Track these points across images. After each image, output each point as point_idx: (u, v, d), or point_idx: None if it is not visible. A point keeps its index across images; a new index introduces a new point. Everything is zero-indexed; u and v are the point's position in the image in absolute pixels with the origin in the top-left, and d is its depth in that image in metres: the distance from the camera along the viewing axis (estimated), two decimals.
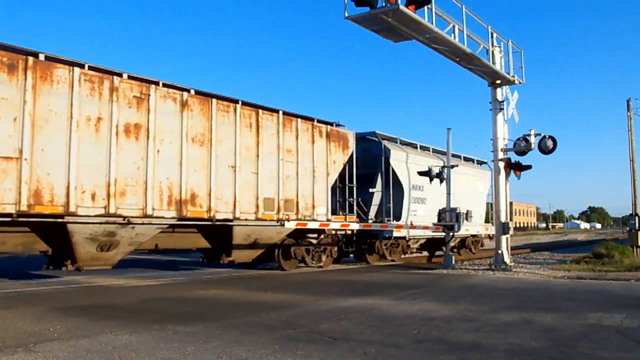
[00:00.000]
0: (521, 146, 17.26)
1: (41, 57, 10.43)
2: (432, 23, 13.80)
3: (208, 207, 12.98)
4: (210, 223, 13.13)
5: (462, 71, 16.79)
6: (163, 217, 12.11)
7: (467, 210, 20.03)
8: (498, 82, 17.56)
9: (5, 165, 9.78)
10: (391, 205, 19.17)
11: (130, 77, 11.72)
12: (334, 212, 17.11)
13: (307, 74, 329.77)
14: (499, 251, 17.22)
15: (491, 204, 25.73)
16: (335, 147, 16.91)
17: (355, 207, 17.69)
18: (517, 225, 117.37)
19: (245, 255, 14.47)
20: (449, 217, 18.28)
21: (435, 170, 18.95)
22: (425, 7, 13.33)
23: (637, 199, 25.51)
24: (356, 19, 13.11)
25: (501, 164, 17.33)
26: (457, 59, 15.98)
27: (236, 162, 13.71)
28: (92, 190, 10.94)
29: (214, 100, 13.34)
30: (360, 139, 19.06)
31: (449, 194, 18.77)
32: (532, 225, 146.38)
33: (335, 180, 17.21)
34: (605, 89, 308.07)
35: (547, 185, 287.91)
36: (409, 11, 12.63)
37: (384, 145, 19.24)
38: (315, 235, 16.67)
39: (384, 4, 12.39)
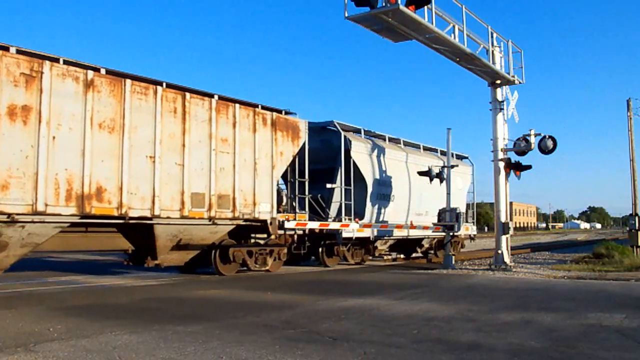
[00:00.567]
0: (521, 146, 17.28)
1: None
2: (432, 23, 13.82)
3: (119, 203, 11.27)
4: (122, 222, 11.48)
5: (462, 71, 16.83)
6: (59, 215, 10.47)
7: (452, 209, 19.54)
8: (498, 82, 17.57)
9: None
10: (352, 202, 17.47)
11: (19, 52, 10.14)
12: (293, 210, 15.78)
13: (306, 74, 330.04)
14: (499, 251, 17.22)
15: (472, 203, 25.13)
16: (283, 136, 15.14)
17: (307, 205, 16.11)
18: (517, 225, 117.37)
19: (174, 258, 12.97)
20: (448, 217, 18.28)
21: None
22: (425, 7, 13.36)
23: (637, 199, 25.51)
24: (356, 19, 13.13)
25: (501, 164, 17.34)
26: (457, 59, 15.99)
27: (156, 152, 12.04)
28: None
29: (128, 81, 11.64)
30: (320, 129, 17.82)
31: (448, 194, 18.75)
32: (532, 225, 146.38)
33: (287, 174, 15.94)
34: (605, 89, 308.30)
35: (547, 185, 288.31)
36: (409, 11, 12.65)
37: (344, 136, 17.50)
38: (265, 235, 15.09)
39: (384, 4, 12.41)
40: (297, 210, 15.81)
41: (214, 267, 14.02)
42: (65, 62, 10.80)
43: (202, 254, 13.75)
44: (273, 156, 14.82)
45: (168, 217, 12.27)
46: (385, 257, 21.49)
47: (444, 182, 19.02)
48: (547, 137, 16.96)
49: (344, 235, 17.01)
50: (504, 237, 17.34)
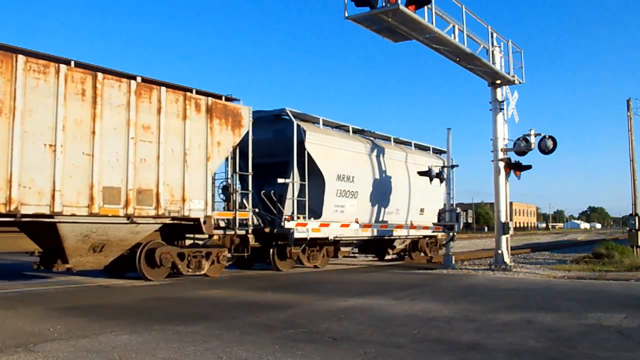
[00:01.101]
0: (521, 146, 17.28)
1: None
2: (432, 23, 13.82)
3: (7, 198, 9.83)
4: (12, 220, 10.06)
5: (462, 71, 16.83)
6: None
7: (421, 208, 18.91)
8: (498, 82, 17.57)
9: None
10: (306, 199, 15.71)
11: None
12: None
13: (306, 74, 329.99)
14: (499, 251, 17.23)
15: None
16: (221, 125, 13.57)
17: (249, 202, 14.43)
18: (517, 225, 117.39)
19: (90, 261, 11.51)
20: (448, 217, 18.29)
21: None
22: (425, 7, 13.35)
23: (637, 199, 25.51)
24: (356, 19, 13.13)
25: (501, 164, 17.34)
26: (457, 59, 15.99)
27: (57, 140, 10.53)
28: None
29: (21, 57, 10.15)
30: (273, 118, 16.31)
31: (449, 193, 18.79)
32: (532, 225, 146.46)
33: (236, 168, 14.55)
34: (605, 89, 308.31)
35: (547, 185, 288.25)
36: (409, 11, 12.65)
37: (297, 126, 15.73)
38: (207, 236, 13.55)
39: (384, 4, 12.40)
40: (248, 208, 14.40)
41: (138, 271, 12.39)
42: None
43: (128, 257, 12.25)
44: (208, 147, 13.24)
45: (73, 215, 10.76)
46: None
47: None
48: (547, 137, 16.96)
49: (297, 235, 15.24)
50: (504, 237, 17.34)
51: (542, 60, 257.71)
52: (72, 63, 11.04)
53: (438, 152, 23.01)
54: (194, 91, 13.12)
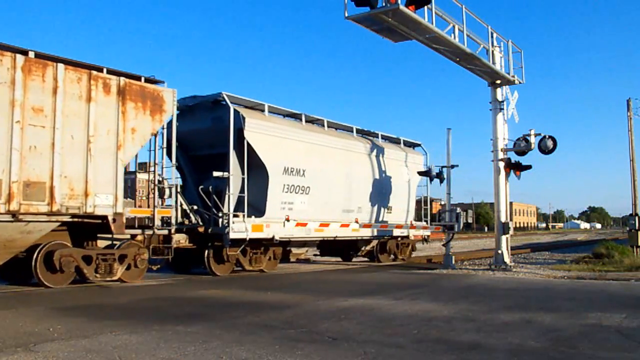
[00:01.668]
0: (521, 146, 17.28)
1: None
2: (432, 23, 13.82)
3: None
4: None
5: (462, 71, 16.80)
6: None
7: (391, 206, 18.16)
8: (498, 82, 17.57)
9: None
10: (245, 194, 14.08)
11: None
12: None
13: (306, 74, 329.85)
14: (499, 251, 17.23)
15: (425, 197, 21.75)
16: (137, 109, 11.88)
17: (176, 197, 13.14)
18: (517, 225, 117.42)
19: None
20: (448, 217, 18.29)
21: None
22: (425, 7, 13.35)
23: (637, 199, 25.52)
24: (356, 19, 13.13)
25: (501, 164, 17.34)
26: (457, 59, 15.99)
27: None
28: None
29: None
30: (211, 104, 14.62)
31: (448, 193, 18.74)
32: (532, 225, 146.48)
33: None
34: (605, 89, 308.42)
35: (547, 185, 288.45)
36: (409, 11, 12.64)
37: (235, 111, 13.99)
38: (129, 236, 12.15)
39: (384, 4, 12.40)
40: (171, 204, 13.01)
41: (35, 276, 10.83)
42: None
43: (23, 260, 10.81)
44: (119, 133, 11.55)
45: None
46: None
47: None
48: (547, 137, 16.96)
49: (233, 235, 13.58)
50: (504, 237, 17.34)
51: (542, 60, 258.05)
52: None
53: (411, 145, 21.54)
54: (104, 70, 11.53)
